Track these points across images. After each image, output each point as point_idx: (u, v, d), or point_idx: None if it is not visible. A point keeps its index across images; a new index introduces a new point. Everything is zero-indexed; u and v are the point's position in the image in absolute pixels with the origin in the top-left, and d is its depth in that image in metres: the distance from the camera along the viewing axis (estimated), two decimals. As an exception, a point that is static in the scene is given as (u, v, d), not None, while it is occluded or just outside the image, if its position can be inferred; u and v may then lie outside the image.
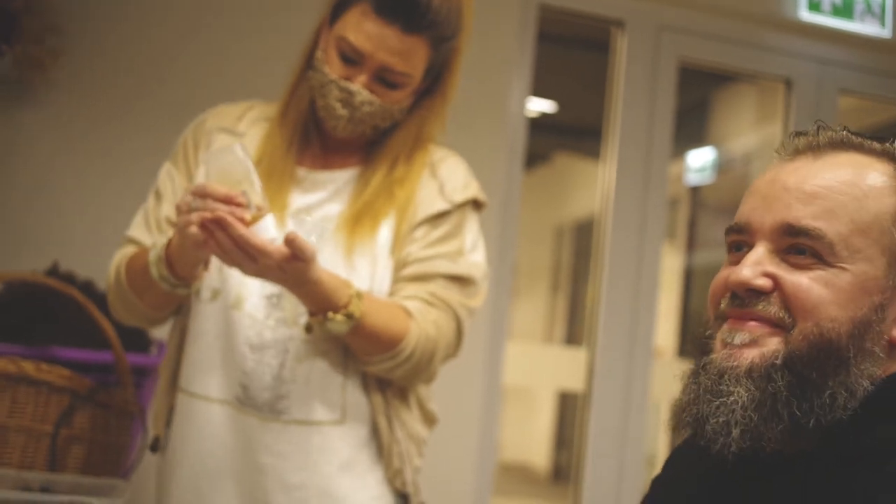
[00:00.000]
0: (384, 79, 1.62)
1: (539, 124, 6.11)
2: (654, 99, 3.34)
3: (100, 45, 2.76)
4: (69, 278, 2.19)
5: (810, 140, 1.04)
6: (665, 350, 5.77)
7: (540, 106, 5.76)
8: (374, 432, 1.67)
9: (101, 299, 2.13)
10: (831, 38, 3.53)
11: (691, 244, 6.18)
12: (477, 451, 2.99)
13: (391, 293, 1.67)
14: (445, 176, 1.75)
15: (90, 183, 2.72)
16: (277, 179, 1.65)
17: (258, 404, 1.60)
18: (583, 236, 7.11)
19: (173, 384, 1.69)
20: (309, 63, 1.69)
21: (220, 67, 2.82)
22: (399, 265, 1.68)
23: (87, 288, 2.17)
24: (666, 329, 5.84)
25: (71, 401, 1.72)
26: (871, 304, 0.96)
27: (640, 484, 3.21)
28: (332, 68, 1.61)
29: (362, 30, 1.58)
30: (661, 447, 5.05)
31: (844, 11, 3.50)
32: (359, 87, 1.60)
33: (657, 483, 1.21)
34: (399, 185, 1.69)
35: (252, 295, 1.62)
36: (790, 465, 0.96)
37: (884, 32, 3.54)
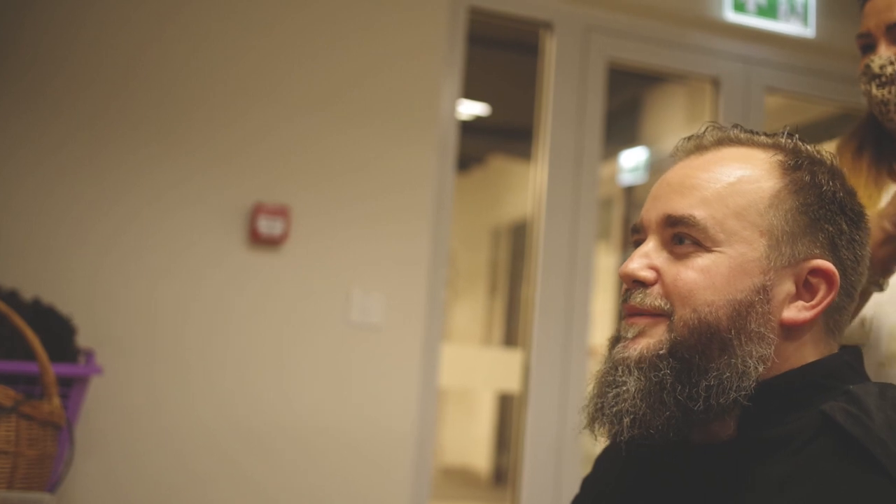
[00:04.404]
0: None
1: (473, 127, 6.12)
2: (583, 100, 3.37)
3: (32, 52, 2.71)
4: (-8, 289, 2.15)
5: (697, 141, 1.11)
6: (601, 349, 5.81)
7: (473, 108, 5.78)
8: None
9: (25, 309, 2.09)
10: (756, 38, 3.60)
11: (626, 243, 6.24)
12: (414, 454, 2.98)
13: None
14: None
15: (15, 192, 2.66)
16: None
17: None
18: (519, 237, 7.14)
19: None
20: None
21: (147, 68, 2.79)
22: None
23: (12, 298, 2.12)
24: (603, 328, 5.87)
25: (-6, 414, 1.67)
26: (752, 286, 0.99)
27: (578, 484, 3.22)
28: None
29: (865, 14, 1.58)
30: (598, 447, 5.08)
31: (769, 11, 3.57)
32: (871, 57, 1.57)
33: (587, 482, 1.23)
34: None
35: None
36: (708, 454, 0.98)
37: (807, 32, 3.61)
